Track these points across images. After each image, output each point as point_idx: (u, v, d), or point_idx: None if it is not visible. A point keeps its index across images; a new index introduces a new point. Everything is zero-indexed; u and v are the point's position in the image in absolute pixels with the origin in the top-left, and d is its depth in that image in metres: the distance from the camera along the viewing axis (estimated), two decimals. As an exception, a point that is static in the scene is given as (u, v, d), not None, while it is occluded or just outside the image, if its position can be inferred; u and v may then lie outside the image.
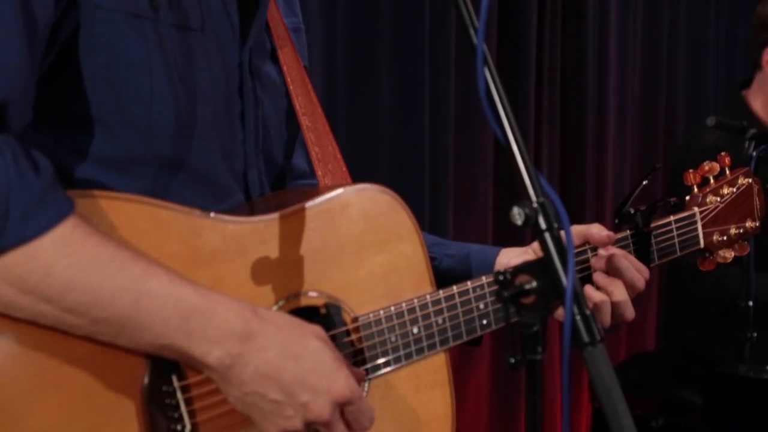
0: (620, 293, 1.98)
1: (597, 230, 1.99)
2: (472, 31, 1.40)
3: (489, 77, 1.38)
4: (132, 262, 1.45)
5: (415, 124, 3.86)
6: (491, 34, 4.20)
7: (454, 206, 4.09)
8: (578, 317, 1.33)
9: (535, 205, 1.36)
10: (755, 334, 3.13)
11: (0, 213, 1.37)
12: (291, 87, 1.84)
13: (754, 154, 3.00)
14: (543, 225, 1.35)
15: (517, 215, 1.36)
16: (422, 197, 3.89)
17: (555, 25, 4.57)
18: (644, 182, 2.14)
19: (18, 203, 1.38)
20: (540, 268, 1.37)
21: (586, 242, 2.02)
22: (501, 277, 1.39)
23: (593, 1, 4.75)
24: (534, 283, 1.37)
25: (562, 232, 1.35)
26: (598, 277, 1.99)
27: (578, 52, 4.72)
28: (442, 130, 3.98)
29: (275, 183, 1.87)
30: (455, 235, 4.06)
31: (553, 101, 4.60)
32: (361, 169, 1.91)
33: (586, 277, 2.01)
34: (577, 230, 2.01)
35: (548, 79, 4.54)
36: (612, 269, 1.99)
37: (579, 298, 1.33)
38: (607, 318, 1.96)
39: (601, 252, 2.00)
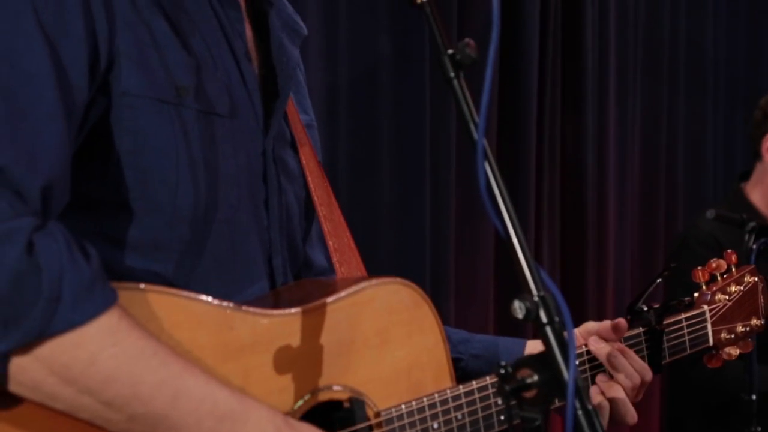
0: (617, 391, 1.97)
1: (608, 325, 2.00)
2: (472, 126, 1.42)
3: (489, 172, 1.40)
4: (171, 357, 1.45)
5: (416, 214, 3.88)
6: (491, 126, 4.23)
7: (455, 297, 4.08)
8: (580, 412, 1.32)
9: (535, 298, 1.36)
10: (759, 429, 3.10)
11: (52, 297, 1.38)
12: (309, 178, 1.86)
13: (754, 247, 3.01)
14: (544, 319, 1.35)
15: (518, 309, 1.36)
16: (423, 287, 3.88)
17: (554, 115, 4.61)
18: (658, 280, 2.16)
19: (70, 289, 1.39)
20: (541, 362, 1.36)
21: (584, 344, 2.02)
22: (502, 371, 1.39)
23: (592, 90, 4.80)
24: (535, 377, 1.37)
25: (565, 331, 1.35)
26: (598, 376, 2.00)
27: (578, 143, 4.75)
28: (443, 220, 3.99)
29: (296, 272, 1.89)
30: (456, 326, 4.05)
31: (553, 192, 4.62)
32: (362, 258, 1.93)
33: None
34: (588, 327, 2.03)
35: (548, 169, 4.57)
36: (611, 366, 1.99)
37: (581, 393, 1.33)
38: (605, 417, 1.96)
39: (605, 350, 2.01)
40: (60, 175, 1.47)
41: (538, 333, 1.36)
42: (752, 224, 3.08)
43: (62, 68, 1.49)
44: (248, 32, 1.76)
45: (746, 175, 4.12)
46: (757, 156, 4.03)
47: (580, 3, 4.71)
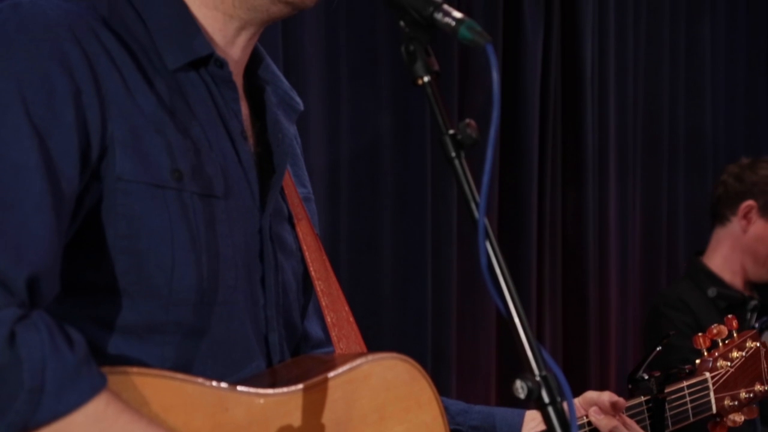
0: None
1: (608, 398, 1.99)
2: (473, 205, 1.42)
3: (490, 250, 1.40)
4: None
5: (418, 289, 3.88)
6: (492, 205, 4.25)
7: (456, 372, 4.06)
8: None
9: (537, 378, 1.36)
10: None
11: (35, 388, 1.37)
12: (306, 253, 1.86)
13: (756, 325, 3.01)
14: (546, 399, 1.35)
15: (520, 389, 1.36)
16: (425, 363, 3.87)
17: (555, 193, 4.63)
18: (658, 348, 2.15)
19: (53, 378, 1.39)
20: (543, 442, 1.36)
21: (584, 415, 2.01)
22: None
23: (593, 168, 4.82)
24: (538, 458, 1.37)
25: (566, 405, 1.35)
26: None
27: (578, 221, 4.77)
28: (444, 296, 3.99)
29: (294, 347, 1.88)
30: (458, 403, 4.02)
31: (554, 269, 4.62)
32: (363, 333, 1.92)
33: None
34: (588, 397, 2.01)
35: (549, 247, 4.58)
36: None
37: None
38: None
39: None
40: (48, 266, 1.48)
41: (541, 413, 1.36)
42: (754, 302, 3.09)
43: (51, 159, 1.49)
44: (244, 110, 1.76)
45: (701, 252, 4.25)
46: (718, 220, 4.11)
47: (580, 83, 4.76)
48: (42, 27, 1.54)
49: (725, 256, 4.12)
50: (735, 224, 4.10)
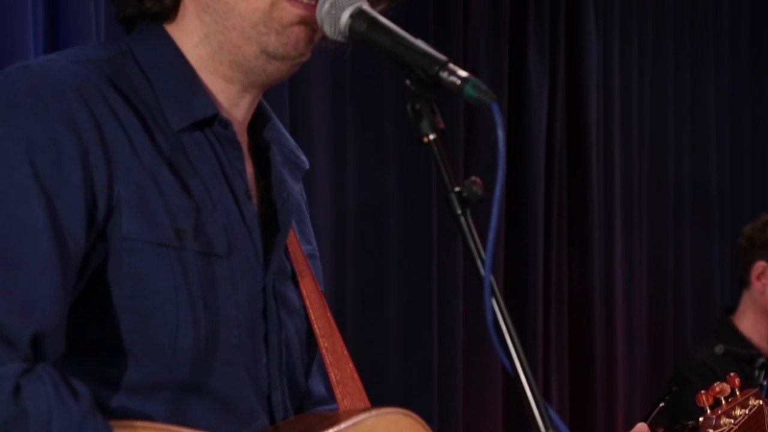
0: None
1: None
2: (479, 263, 1.42)
3: (497, 308, 1.40)
4: None
5: (423, 347, 3.87)
6: (498, 262, 4.25)
7: (462, 429, 4.03)
8: None
9: (544, 437, 1.35)
10: None
11: None
12: (310, 310, 1.85)
13: (765, 383, 2.99)
14: (553, 458, 1.34)
15: (527, 448, 1.35)
16: (430, 420, 3.84)
17: (561, 251, 4.63)
18: (661, 404, 2.14)
19: (59, 429, 1.40)
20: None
21: None
22: None
23: (598, 225, 4.82)
24: None
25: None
26: None
27: (584, 278, 4.76)
28: (451, 354, 3.98)
29: (297, 405, 1.87)
30: (464, 462, 4.00)
31: (560, 328, 4.61)
32: (368, 390, 1.91)
33: None
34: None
35: (555, 303, 4.57)
36: None
37: None
38: None
39: None
40: (53, 325, 1.49)
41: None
42: (762, 360, 3.07)
43: (58, 219, 1.50)
44: (249, 169, 1.77)
45: (732, 310, 4.18)
46: (743, 284, 4.09)
47: (585, 138, 4.77)
48: (50, 89, 1.55)
49: (753, 319, 4.06)
50: (754, 286, 4.08)
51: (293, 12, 1.64)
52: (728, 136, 5.70)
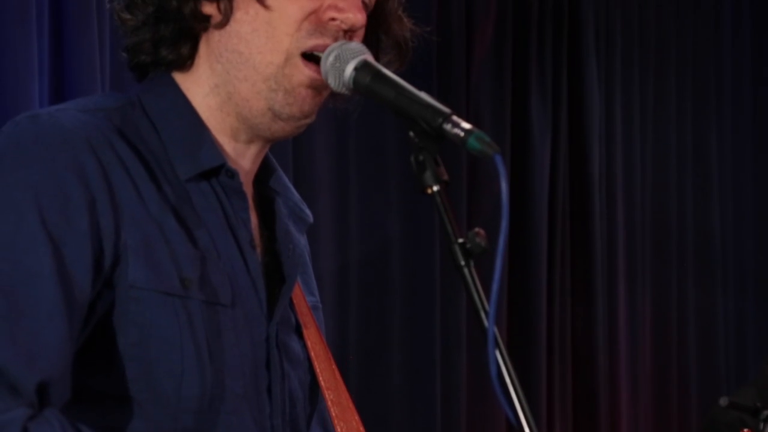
0: None
1: None
2: (483, 314, 1.42)
3: (500, 360, 1.39)
4: None
5: (427, 398, 3.85)
6: (501, 314, 4.24)
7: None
8: None
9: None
10: None
11: None
12: (315, 362, 1.85)
13: (771, 437, 2.97)
14: None
15: (530, 501, 1.34)
16: (433, 473, 3.83)
17: (564, 302, 4.63)
18: None
19: None
20: None
21: None
22: None
23: (601, 276, 4.82)
24: None
25: None
26: None
27: (588, 330, 4.75)
28: (454, 404, 3.96)
29: None
30: None
31: (564, 380, 4.59)
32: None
33: None
34: None
35: (559, 354, 4.55)
36: None
37: None
38: None
39: None
40: (59, 373, 1.49)
41: None
42: (766, 413, 3.04)
43: (65, 266, 1.51)
44: (254, 219, 1.77)
45: None
46: None
47: (588, 190, 4.78)
48: (59, 138, 1.57)
49: None
50: None
51: (305, 72, 1.66)
52: (731, 187, 5.71)
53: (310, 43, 1.65)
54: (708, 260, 5.61)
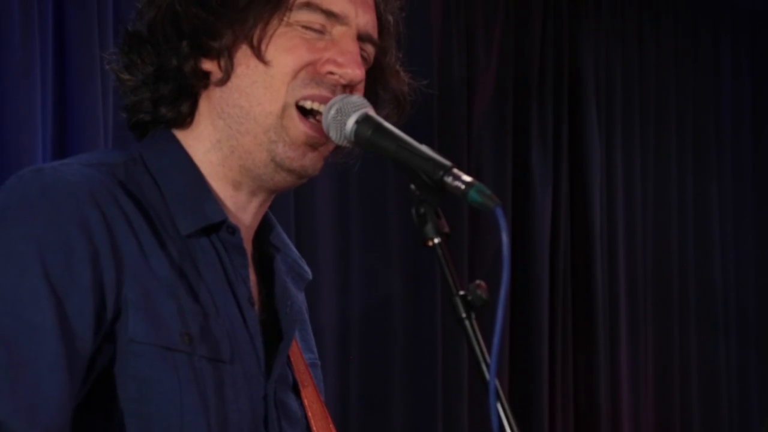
0: None
1: None
2: (484, 367, 1.42)
3: (502, 412, 1.39)
4: None
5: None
6: (503, 366, 4.23)
7: None
8: None
9: None
10: None
11: None
12: (312, 421, 1.84)
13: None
14: None
15: None
16: None
17: (566, 355, 4.62)
18: None
19: None
20: None
21: None
22: None
23: (603, 328, 4.81)
24: None
25: None
26: None
27: (590, 382, 4.73)
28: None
29: None
30: None
31: (566, 425, 4.57)
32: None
33: None
34: None
35: (561, 407, 4.54)
36: None
37: None
38: None
39: None
40: (59, 427, 1.48)
41: None
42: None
43: (67, 320, 1.51)
44: (252, 276, 1.77)
45: None
46: None
47: (589, 242, 4.79)
48: (63, 192, 1.57)
49: None
50: None
51: (300, 127, 1.67)
52: (732, 236, 5.71)
53: (305, 92, 1.67)
54: (710, 309, 5.60)
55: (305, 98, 1.67)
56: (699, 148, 5.50)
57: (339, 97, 1.65)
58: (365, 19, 1.71)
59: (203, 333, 1.63)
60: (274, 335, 1.77)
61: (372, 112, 1.63)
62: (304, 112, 1.67)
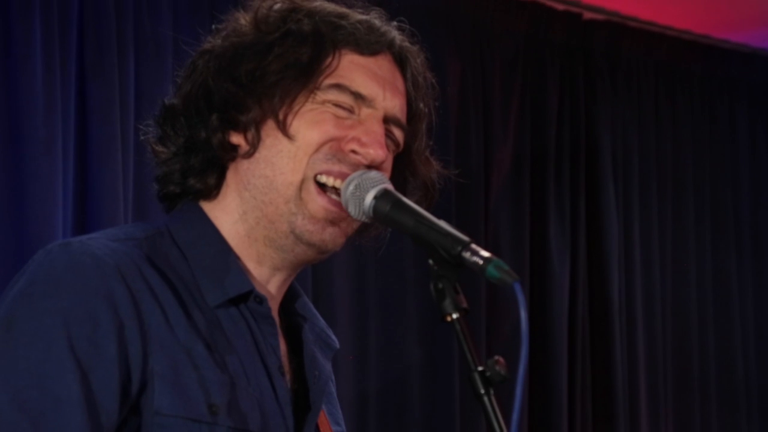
0: None
1: None
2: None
3: (522, 489, 1.38)
4: None
5: None
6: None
7: None
8: None
9: None
10: None
11: None
12: None
13: None
14: None
15: None
16: None
17: (586, 429, 4.57)
18: None
19: None
20: None
21: None
22: None
23: (624, 407, 4.77)
24: None
25: None
26: None
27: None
28: None
29: None
30: None
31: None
32: None
33: None
34: None
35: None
36: None
37: None
38: None
39: None
40: None
41: None
42: None
43: (92, 392, 1.52)
44: (282, 346, 1.78)
45: None
46: None
47: (608, 317, 4.76)
48: (90, 266, 1.59)
49: None
50: None
51: (317, 201, 1.68)
52: (752, 315, 5.66)
53: (324, 166, 1.68)
54: (731, 388, 5.53)
55: (323, 173, 1.68)
56: (717, 222, 5.48)
57: (358, 172, 1.67)
58: (393, 103, 1.73)
59: (231, 404, 1.63)
60: (303, 405, 1.77)
61: (390, 188, 1.65)
62: (323, 187, 1.69)
